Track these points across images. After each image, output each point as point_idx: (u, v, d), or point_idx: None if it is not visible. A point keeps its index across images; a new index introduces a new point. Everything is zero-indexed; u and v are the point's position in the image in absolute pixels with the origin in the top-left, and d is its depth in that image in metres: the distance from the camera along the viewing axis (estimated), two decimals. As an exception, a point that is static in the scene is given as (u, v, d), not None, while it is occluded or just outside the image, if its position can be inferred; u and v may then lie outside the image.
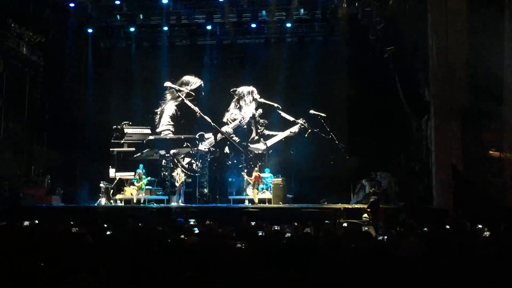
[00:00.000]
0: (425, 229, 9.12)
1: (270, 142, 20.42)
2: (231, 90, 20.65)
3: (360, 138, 18.91)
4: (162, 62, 20.48)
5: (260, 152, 20.32)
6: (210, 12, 19.00)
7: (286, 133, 20.26)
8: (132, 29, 20.06)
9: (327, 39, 19.86)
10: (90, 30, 19.87)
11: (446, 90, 14.62)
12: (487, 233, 7.99)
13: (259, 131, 20.53)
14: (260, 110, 20.61)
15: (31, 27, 17.37)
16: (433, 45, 14.87)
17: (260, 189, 18.14)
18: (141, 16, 19.20)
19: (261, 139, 20.47)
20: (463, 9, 14.33)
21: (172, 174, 18.77)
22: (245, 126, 20.64)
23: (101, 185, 18.14)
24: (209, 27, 19.77)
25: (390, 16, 16.70)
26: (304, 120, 19.86)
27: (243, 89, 20.68)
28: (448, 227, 9.94)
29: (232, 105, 20.73)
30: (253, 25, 19.50)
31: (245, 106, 20.68)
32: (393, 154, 17.98)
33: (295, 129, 20.10)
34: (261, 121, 20.59)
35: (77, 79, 19.71)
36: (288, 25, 19.45)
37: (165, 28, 19.93)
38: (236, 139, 20.44)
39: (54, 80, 18.79)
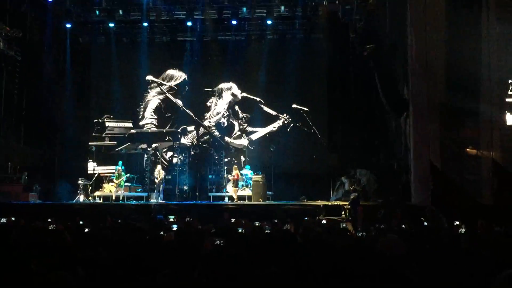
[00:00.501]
0: (403, 226, 9.19)
1: (253, 137, 20.42)
2: (207, 90, 20.54)
3: (340, 135, 19.05)
4: (142, 58, 20.35)
5: (242, 147, 20.30)
6: (190, 8, 18.90)
7: (270, 128, 20.26)
8: (111, 25, 19.84)
9: (308, 36, 19.93)
10: (68, 25, 19.63)
11: (425, 88, 14.76)
12: (463, 230, 8.08)
13: (241, 127, 20.51)
14: (236, 107, 20.57)
15: (8, 22, 17.10)
16: (412, 43, 15.00)
17: (240, 186, 18.15)
18: (120, 12, 19.02)
19: (244, 134, 20.44)
20: (442, 7, 14.50)
21: (153, 171, 18.68)
22: (224, 122, 20.57)
23: (80, 182, 17.98)
24: (189, 23, 19.65)
25: (370, 13, 16.80)
26: (287, 116, 19.88)
27: (222, 86, 20.61)
28: (425, 223, 10.05)
29: (213, 102, 20.65)
30: (234, 22, 19.47)
31: (224, 102, 20.63)
32: (373, 152, 18.11)
33: (278, 123, 20.12)
34: (243, 115, 20.55)
35: (55, 74, 19.45)
36: (269, 22, 19.44)
37: (145, 24, 19.77)
38: (217, 133, 20.38)
39: (31, 76, 18.56)
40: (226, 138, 20.32)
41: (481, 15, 14.22)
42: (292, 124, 19.72)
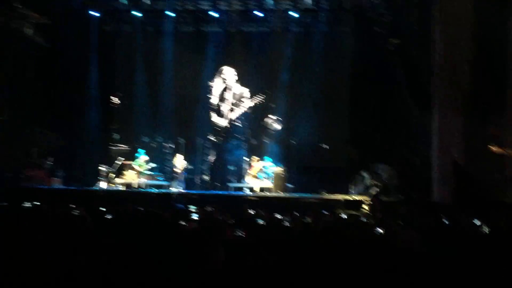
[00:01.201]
0: (424, 223, 9.12)
1: (233, 115, 20.55)
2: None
3: (361, 129, 18.94)
4: (167, 47, 20.42)
5: (222, 127, 20.41)
6: (214, -1, 18.89)
7: (244, 108, 20.46)
8: (137, 14, 19.96)
9: (333, 30, 19.72)
10: (94, 14, 19.81)
11: (450, 83, 14.61)
12: (486, 229, 7.99)
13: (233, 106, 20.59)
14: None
15: (36, 9, 17.28)
16: (438, 38, 14.83)
17: (261, 178, 18.18)
18: (146, 1, 19.09)
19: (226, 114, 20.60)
20: (470, 2, 14.27)
21: (174, 160, 18.79)
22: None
23: (102, 168, 18.18)
24: (214, 14, 19.65)
25: (397, 8, 16.65)
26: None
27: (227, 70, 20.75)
28: (447, 221, 9.95)
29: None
30: (259, 14, 19.41)
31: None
32: (394, 147, 17.95)
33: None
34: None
35: (80, 62, 19.66)
36: (294, 14, 19.34)
37: (170, 14, 19.83)
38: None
39: (57, 63, 18.77)
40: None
41: (510, 11, 13.99)
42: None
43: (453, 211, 11.71)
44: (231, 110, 20.67)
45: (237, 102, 20.68)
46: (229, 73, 20.71)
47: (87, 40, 19.96)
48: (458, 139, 14.56)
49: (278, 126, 20.03)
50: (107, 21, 20.81)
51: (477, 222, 8.45)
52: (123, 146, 19.36)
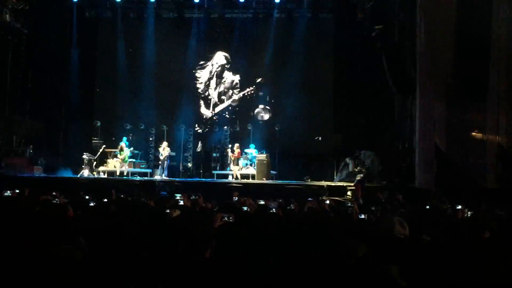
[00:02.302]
0: (406, 208, 9.18)
1: (217, 109, 20.58)
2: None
3: (345, 116, 19.02)
4: (148, 34, 20.21)
5: (208, 117, 20.51)
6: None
7: (228, 102, 20.52)
8: (118, 0, 19.69)
9: (316, 15, 19.65)
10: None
11: (432, 69, 14.65)
12: (467, 214, 8.07)
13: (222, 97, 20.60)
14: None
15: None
16: (421, 24, 14.84)
17: (244, 165, 18.18)
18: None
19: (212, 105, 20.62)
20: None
21: (157, 147, 18.70)
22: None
23: (84, 156, 18.02)
24: (196, 0, 19.47)
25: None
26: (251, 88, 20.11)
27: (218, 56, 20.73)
28: (429, 207, 10.03)
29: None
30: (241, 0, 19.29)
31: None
32: (378, 133, 18.05)
33: (236, 97, 20.47)
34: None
35: (61, 48, 19.36)
36: (277, 0, 19.24)
37: (152, 0, 19.60)
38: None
39: (37, 49, 18.47)
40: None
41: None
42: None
43: (435, 197, 11.83)
44: (219, 100, 20.63)
45: (226, 91, 20.64)
46: (220, 59, 20.65)
47: (67, 26, 19.66)
48: (440, 125, 14.64)
49: (266, 116, 20.06)
50: (88, 7, 20.50)
51: (459, 207, 8.56)
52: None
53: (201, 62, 20.79)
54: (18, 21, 17.33)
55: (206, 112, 20.60)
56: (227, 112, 20.56)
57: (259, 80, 20.20)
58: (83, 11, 20.32)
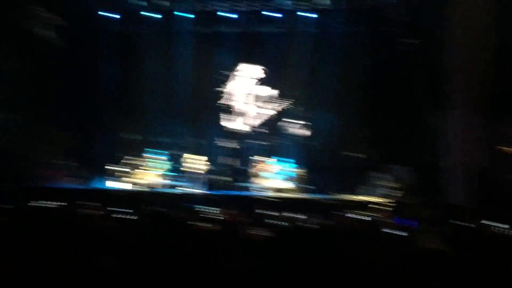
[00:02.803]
0: (442, 225, 9.01)
1: (251, 123, 20.69)
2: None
3: (378, 130, 18.82)
4: (182, 48, 20.46)
5: (238, 134, 20.48)
6: (233, 0, 18.87)
7: (262, 116, 20.56)
8: (152, 15, 20.02)
9: (349, 30, 19.64)
10: (109, 14, 19.93)
11: (468, 83, 14.42)
12: (507, 232, 7.88)
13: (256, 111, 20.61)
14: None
15: (50, 9, 17.35)
16: (457, 38, 14.64)
17: (275, 178, 18.11)
18: (162, 2, 19.12)
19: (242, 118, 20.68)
20: (489, 3, 14.07)
21: (188, 160, 18.79)
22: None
23: (119, 168, 18.25)
24: (231, 16, 19.64)
25: (414, 8, 16.49)
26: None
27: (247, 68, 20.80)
28: (466, 224, 9.81)
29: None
30: (276, 15, 19.38)
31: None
32: (412, 148, 17.77)
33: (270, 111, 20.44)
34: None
35: (94, 62, 19.77)
36: (311, 15, 19.25)
37: (186, 15, 19.84)
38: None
39: (71, 63, 18.83)
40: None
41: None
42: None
43: (475, 214, 11.56)
44: (253, 114, 20.71)
45: (259, 105, 20.71)
46: (247, 72, 20.77)
47: (100, 40, 20.06)
48: (477, 141, 14.35)
49: (303, 131, 19.97)
50: (121, 22, 20.86)
51: (500, 225, 8.35)
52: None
53: (233, 75, 20.89)
54: (53, 35, 17.67)
55: (239, 127, 20.68)
56: (260, 127, 20.58)
57: (294, 94, 20.14)
58: (116, 26, 20.70)
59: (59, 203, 9.95)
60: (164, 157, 18.77)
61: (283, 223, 7.69)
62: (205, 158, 19.05)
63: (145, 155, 19.05)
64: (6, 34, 15.82)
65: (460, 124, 14.56)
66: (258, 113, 20.68)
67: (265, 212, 10.91)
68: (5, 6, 15.68)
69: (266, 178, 18.03)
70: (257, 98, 20.73)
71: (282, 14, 19.56)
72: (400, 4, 16.96)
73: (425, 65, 16.31)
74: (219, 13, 19.85)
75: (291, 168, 18.05)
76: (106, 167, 18.72)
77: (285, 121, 20.26)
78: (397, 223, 9.57)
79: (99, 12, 19.87)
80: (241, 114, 20.79)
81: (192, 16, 20.13)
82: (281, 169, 18.41)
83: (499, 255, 5.19)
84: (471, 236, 7.19)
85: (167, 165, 18.84)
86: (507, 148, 14.34)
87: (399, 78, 17.96)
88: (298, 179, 17.51)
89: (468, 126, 14.39)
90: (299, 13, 19.51)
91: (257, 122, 20.65)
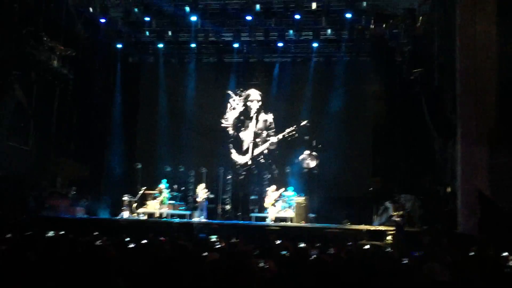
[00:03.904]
0: (449, 254, 8.90)
1: (255, 152, 20.70)
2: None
3: (384, 159, 18.78)
4: (189, 78, 20.76)
5: (241, 164, 20.43)
6: (237, 30, 19.13)
7: (266, 145, 20.51)
8: (160, 45, 20.34)
9: (354, 59, 19.88)
10: (119, 45, 20.25)
11: (474, 112, 14.37)
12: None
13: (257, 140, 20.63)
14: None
15: (63, 41, 17.64)
16: (461, 68, 14.67)
17: (283, 208, 18.03)
18: (169, 33, 19.48)
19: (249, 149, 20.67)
20: (493, 30, 14.13)
21: (196, 189, 18.80)
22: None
23: (125, 198, 18.24)
24: (236, 45, 19.91)
25: (418, 37, 16.60)
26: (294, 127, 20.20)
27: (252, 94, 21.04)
28: (473, 253, 9.71)
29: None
30: (280, 44, 19.61)
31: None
32: (418, 177, 17.72)
33: (275, 139, 20.52)
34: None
35: (105, 93, 20.09)
36: (315, 44, 19.49)
37: (193, 45, 20.14)
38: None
39: (83, 93, 19.09)
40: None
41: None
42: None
43: (480, 243, 11.44)
44: (254, 144, 20.78)
45: (260, 132, 20.79)
46: (253, 97, 20.91)
47: (111, 71, 20.40)
48: (483, 170, 14.24)
49: (313, 163, 19.93)
50: (131, 53, 21.21)
51: (505, 254, 8.25)
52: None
53: (233, 101, 21.08)
54: (64, 67, 17.89)
55: (239, 158, 20.75)
56: (262, 157, 20.63)
57: (303, 123, 20.24)
58: (126, 57, 21.12)
59: (65, 233, 9.95)
60: (168, 186, 18.75)
61: (289, 253, 7.63)
62: (210, 187, 19.06)
63: (152, 185, 19.12)
64: (19, 65, 16.09)
65: (466, 153, 14.48)
66: (263, 142, 20.74)
67: (272, 241, 10.84)
68: (18, 38, 15.98)
69: (270, 206, 17.92)
70: (262, 127, 20.82)
71: (287, 43, 19.75)
72: (404, 33, 17.07)
73: (430, 94, 16.35)
74: (225, 43, 20.12)
75: (297, 197, 17.95)
76: (112, 197, 18.83)
77: (291, 149, 20.28)
78: (411, 254, 9.47)
79: (114, 44, 20.17)
80: (247, 143, 20.85)
81: (202, 46, 20.45)
82: (287, 198, 18.32)
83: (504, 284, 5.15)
84: (477, 265, 7.11)
85: (173, 194, 18.86)
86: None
87: (405, 106, 18.00)
88: (304, 208, 17.40)
89: (473, 156, 14.31)
90: (304, 42, 19.71)
91: (263, 151, 20.69)
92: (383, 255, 8.36)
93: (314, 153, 19.97)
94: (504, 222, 13.28)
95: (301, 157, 20.07)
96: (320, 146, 19.76)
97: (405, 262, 7.44)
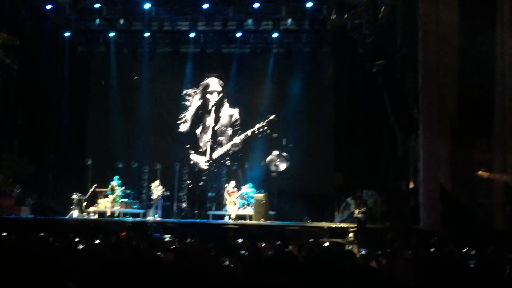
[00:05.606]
0: (410, 251, 8.74)
1: (215, 154, 20.02)
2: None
3: (346, 154, 18.57)
4: (143, 69, 19.93)
5: (201, 167, 19.86)
6: (194, 19, 18.46)
7: (228, 146, 19.97)
8: (112, 34, 19.43)
9: (315, 50, 19.51)
10: (67, 34, 19.20)
11: (436, 107, 14.30)
12: (474, 256, 7.59)
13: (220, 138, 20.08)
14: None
15: (5, 29, 16.61)
16: (423, 60, 14.55)
17: (241, 205, 17.59)
18: (121, 21, 18.53)
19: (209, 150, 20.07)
20: (455, 22, 14.01)
21: (150, 186, 18.13)
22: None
23: (74, 196, 17.46)
24: (192, 35, 19.20)
25: (380, 29, 16.43)
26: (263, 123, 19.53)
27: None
28: (434, 249, 9.55)
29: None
30: (239, 34, 19.06)
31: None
32: (380, 172, 17.58)
33: (238, 140, 19.83)
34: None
35: (52, 84, 19.07)
36: (275, 35, 19.04)
37: (147, 34, 19.32)
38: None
39: (28, 85, 18.12)
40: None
41: (495, 31, 13.77)
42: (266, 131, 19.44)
43: (441, 238, 11.33)
44: (215, 143, 20.14)
45: (224, 129, 20.16)
46: (213, 86, 20.24)
47: (59, 62, 19.40)
48: (445, 165, 14.19)
49: (283, 165, 19.34)
50: (80, 42, 20.29)
51: (465, 250, 8.14)
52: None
53: (189, 91, 20.38)
54: (8, 56, 17.01)
55: (199, 160, 20.07)
56: (227, 158, 20.01)
57: (271, 117, 19.63)
58: (75, 46, 20.11)
59: (9, 234, 9.28)
60: (120, 183, 18.05)
61: (247, 252, 7.31)
62: (165, 183, 18.43)
63: (103, 182, 18.30)
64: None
65: (428, 148, 14.37)
66: (228, 141, 20.15)
67: (229, 240, 10.48)
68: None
69: (229, 204, 17.48)
70: (226, 123, 20.23)
71: (246, 34, 19.20)
72: (365, 24, 16.85)
73: (391, 87, 16.17)
74: (181, 32, 19.36)
75: (256, 193, 17.52)
76: (62, 195, 17.87)
77: (252, 146, 19.77)
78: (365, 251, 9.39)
79: (62, 33, 19.16)
80: (205, 142, 20.22)
81: (156, 35, 19.63)
82: (246, 195, 17.85)
83: (465, 281, 4.99)
84: (438, 262, 6.92)
85: (126, 192, 18.16)
86: (474, 172, 14.20)
87: (367, 100, 17.80)
88: (263, 205, 17.01)
89: (435, 151, 14.21)
90: (263, 33, 19.25)
91: (228, 151, 20.10)
92: (344, 253, 8.11)
93: (284, 153, 19.46)
94: (465, 218, 13.28)
95: (268, 159, 19.44)
96: (291, 145, 19.14)
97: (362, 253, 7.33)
